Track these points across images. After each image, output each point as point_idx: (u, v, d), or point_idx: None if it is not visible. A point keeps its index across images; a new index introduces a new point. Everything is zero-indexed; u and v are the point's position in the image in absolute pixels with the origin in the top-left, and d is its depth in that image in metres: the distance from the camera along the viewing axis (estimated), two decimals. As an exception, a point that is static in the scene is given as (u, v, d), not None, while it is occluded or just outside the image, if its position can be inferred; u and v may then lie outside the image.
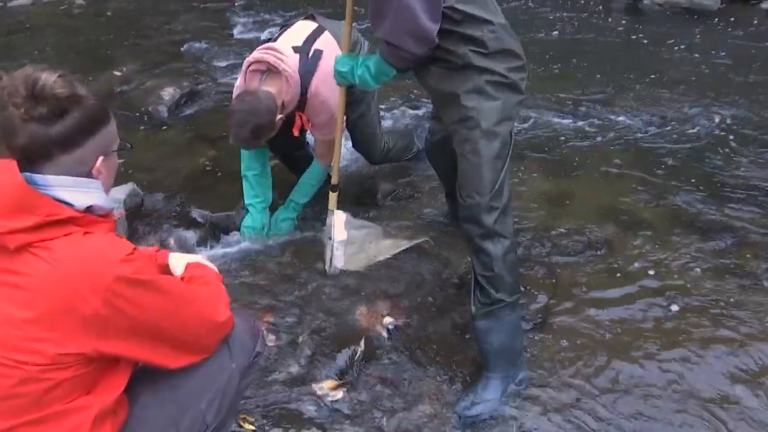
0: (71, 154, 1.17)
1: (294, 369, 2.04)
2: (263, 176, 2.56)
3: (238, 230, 2.60)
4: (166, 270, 1.57)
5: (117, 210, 1.34)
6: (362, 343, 2.08)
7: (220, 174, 3.02)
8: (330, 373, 1.99)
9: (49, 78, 1.11)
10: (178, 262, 1.57)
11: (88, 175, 1.21)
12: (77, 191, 1.18)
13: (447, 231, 2.59)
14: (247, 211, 2.56)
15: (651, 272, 2.40)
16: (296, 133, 2.43)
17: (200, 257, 1.62)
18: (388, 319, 2.19)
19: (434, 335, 2.17)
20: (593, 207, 2.75)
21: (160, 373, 1.28)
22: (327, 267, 2.35)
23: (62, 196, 1.17)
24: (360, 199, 2.84)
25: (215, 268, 1.58)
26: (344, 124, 2.30)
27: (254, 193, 2.54)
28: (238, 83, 2.39)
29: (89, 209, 1.20)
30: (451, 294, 2.33)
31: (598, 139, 3.31)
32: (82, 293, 1.09)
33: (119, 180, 2.85)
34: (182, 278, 1.52)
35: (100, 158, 1.24)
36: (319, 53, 2.32)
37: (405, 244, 2.43)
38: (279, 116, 2.26)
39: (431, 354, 2.11)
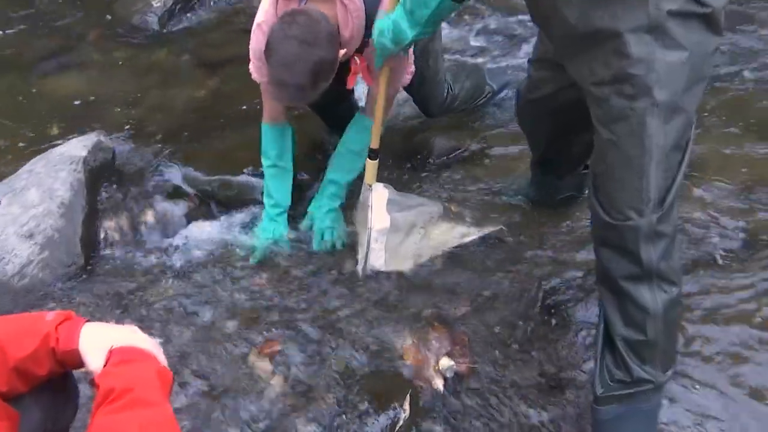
0: None
1: (307, 441, 1.57)
2: (281, 167, 2.04)
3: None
4: (71, 358, 1.04)
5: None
6: (407, 402, 1.59)
7: (222, 115, 2.54)
8: (359, 451, 1.56)
9: None
10: (94, 347, 1.03)
11: None
12: None
13: (531, 215, 2.11)
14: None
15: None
16: (351, 85, 1.92)
17: (132, 332, 1.08)
18: (445, 362, 1.71)
19: (515, 392, 1.66)
20: (731, 186, 2.12)
21: None
22: (360, 266, 1.93)
23: None
24: (403, 161, 2.35)
25: (158, 353, 1.06)
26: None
27: (268, 192, 2.06)
28: (265, 6, 1.82)
29: None
30: (540, 322, 1.81)
31: (736, 81, 2.57)
32: None
33: (82, 125, 2.42)
34: (96, 385, 0.99)
35: None
36: None
37: (470, 234, 2.01)
38: (342, 51, 1.73)
39: (511, 424, 1.60)
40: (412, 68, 1.99)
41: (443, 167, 2.32)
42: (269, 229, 2.02)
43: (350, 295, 1.87)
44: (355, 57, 1.84)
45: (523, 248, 2.01)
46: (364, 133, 1.95)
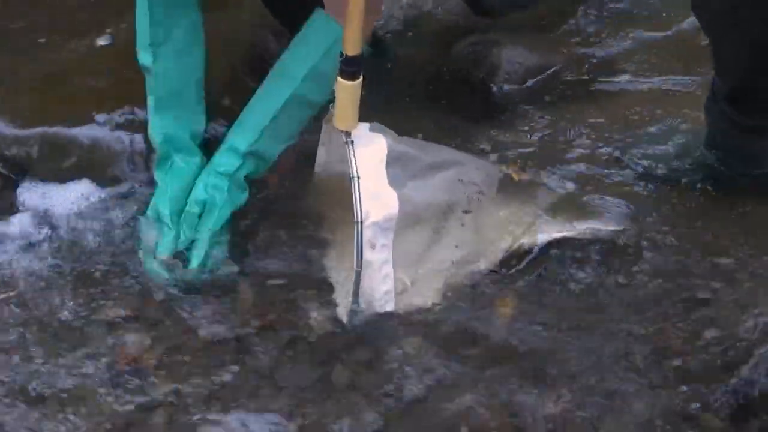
0: None
1: None
2: (157, 63, 2.24)
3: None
4: None
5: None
6: None
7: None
8: None
9: None
10: None
11: None
12: None
13: (699, 204, 2.23)
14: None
15: None
16: None
17: None
18: None
19: None
20: None
21: None
22: (343, 303, 2.06)
23: None
24: (439, 90, 2.53)
25: None
26: None
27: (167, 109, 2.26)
28: None
29: None
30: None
31: None
32: None
33: None
34: None
35: None
36: None
37: (564, 229, 2.17)
38: None
39: None
40: None
41: (518, 102, 2.42)
42: (172, 184, 2.16)
43: (312, 373, 1.87)
44: None
45: (680, 269, 2.01)
46: (320, 39, 2.13)
